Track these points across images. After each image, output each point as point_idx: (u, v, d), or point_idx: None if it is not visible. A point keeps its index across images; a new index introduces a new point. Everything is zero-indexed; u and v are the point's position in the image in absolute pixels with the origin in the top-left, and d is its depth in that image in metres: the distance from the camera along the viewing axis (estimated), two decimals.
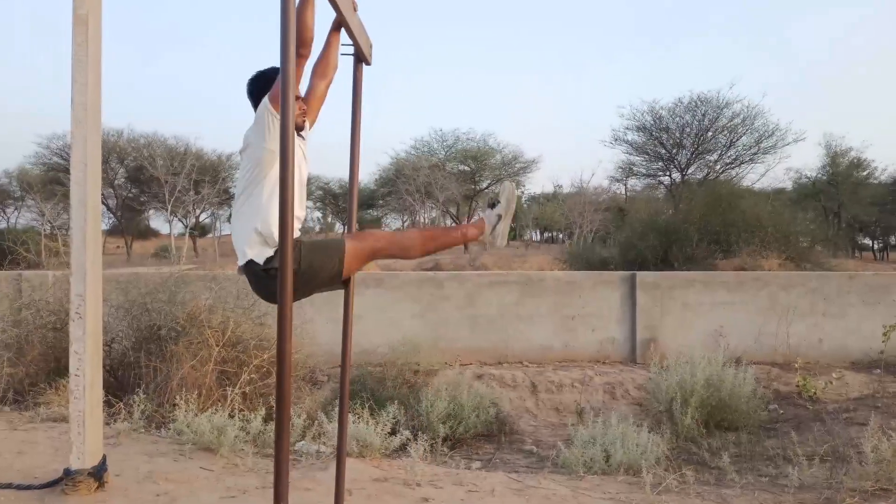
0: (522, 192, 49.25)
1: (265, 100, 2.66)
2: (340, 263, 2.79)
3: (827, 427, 5.88)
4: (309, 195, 30.13)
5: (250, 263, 2.66)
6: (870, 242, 45.54)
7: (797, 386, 7.21)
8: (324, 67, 2.98)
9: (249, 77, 2.86)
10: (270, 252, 2.65)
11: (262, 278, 2.69)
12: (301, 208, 2.83)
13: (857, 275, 9.14)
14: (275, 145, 2.62)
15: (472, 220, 3.18)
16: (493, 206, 3.12)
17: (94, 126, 3.21)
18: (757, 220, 14.30)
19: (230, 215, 2.70)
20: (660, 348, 8.22)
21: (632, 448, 4.60)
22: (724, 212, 14.90)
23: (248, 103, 2.82)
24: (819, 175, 37.55)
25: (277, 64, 2.12)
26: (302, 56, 2.58)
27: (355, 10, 3.02)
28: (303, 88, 2.91)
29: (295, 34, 2.40)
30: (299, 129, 2.87)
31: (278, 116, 2.60)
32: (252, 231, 2.63)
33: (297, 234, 2.78)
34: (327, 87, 3.02)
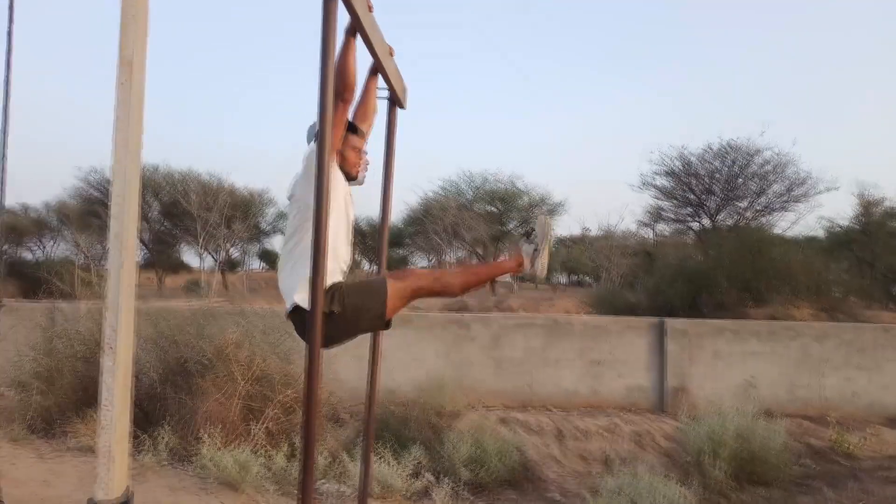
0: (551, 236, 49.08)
1: (313, 145, 2.67)
2: (383, 305, 2.73)
3: (862, 485, 5.67)
4: None
5: (299, 309, 2.60)
6: None
7: (831, 441, 6.99)
8: (364, 112, 3.03)
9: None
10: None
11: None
12: (347, 249, 2.83)
13: (893, 328, 8.91)
14: None
15: (506, 256, 3.14)
16: (529, 238, 3.10)
17: (133, 163, 3.29)
18: (788, 268, 14.04)
19: (278, 260, 2.67)
20: (689, 397, 8.05)
21: (660, 500, 4.49)
22: (754, 259, 14.65)
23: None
24: (852, 224, 36.92)
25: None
26: (346, 101, 2.62)
27: (392, 55, 3.10)
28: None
29: (335, 80, 2.49)
30: (356, 181, 2.91)
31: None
32: (304, 278, 2.56)
33: (341, 276, 2.79)
34: (369, 130, 3.07)
